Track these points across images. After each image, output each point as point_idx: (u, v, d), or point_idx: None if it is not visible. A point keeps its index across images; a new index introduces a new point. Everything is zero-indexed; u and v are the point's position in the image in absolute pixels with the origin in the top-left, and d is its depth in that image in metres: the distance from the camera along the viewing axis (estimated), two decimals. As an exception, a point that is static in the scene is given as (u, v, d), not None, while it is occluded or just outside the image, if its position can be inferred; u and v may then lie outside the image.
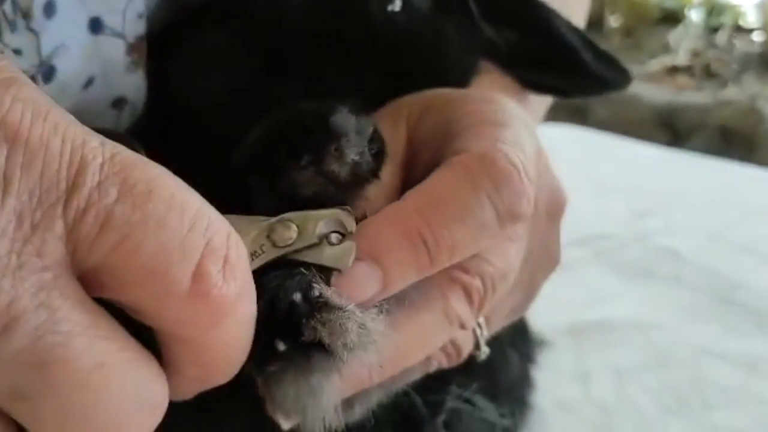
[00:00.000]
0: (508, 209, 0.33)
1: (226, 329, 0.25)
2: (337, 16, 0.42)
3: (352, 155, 0.33)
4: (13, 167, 0.22)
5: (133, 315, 0.25)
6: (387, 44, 0.42)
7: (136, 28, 0.43)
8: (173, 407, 0.26)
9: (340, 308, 0.30)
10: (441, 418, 0.42)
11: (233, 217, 0.27)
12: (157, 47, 0.44)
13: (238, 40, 0.43)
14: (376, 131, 0.34)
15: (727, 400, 0.63)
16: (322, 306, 0.29)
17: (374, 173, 0.34)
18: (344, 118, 0.33)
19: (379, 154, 0.34)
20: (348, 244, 0.32)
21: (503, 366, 0.50)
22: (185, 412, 0.28)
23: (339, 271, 0.31)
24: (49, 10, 0.38)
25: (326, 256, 0.31)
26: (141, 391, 0.24)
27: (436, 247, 0.32)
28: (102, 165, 0.23)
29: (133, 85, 0.44)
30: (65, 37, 0.39)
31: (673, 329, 0.72)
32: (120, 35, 0.42)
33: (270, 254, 0.31)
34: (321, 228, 0.32)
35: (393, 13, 0.42)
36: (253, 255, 0.30)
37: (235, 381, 0.28)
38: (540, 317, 0.56)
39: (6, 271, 0.21)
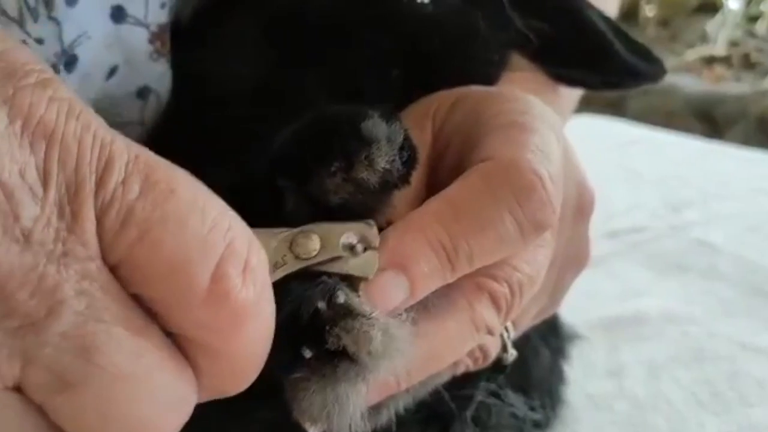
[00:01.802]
0: (531, 221, 0.33)
1: (245, 336, 0.26)
2: (365, 6, 0.42)
3: (382, 163, 0.33)
4: (51, 163, 0.23)
5: (159, 321, 0.25)
6: (415, 36, 0.42)
7: (159, 16, 0.43)
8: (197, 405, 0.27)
9: (364, 315, 0.30)
10: (469, 413, 0.42)
11: (252, 230, 0.27)
12: (183, 37, 0.44)
13: (264, 31, 0.43)
14: (407, 138, 0.34)
15: (764, 395, 0.61)
16: (346, 313, 0.29)
17: (404, 180, 0.34)
18: (375, 125, 0.33)
19: (409, 161, 0.34)
20: (371, 253, 0.32)
21: (534, 360, 0.49)
22: (210, 410, 0.28)
23: (365, 279, 0.31)
24: None
25: (351, 266, 0.31)
26: (175, 387, 0.25)
27: (456, 256, 0.32)
28: (127, 163, 0.24)
29: (157, 74, 0.44)
30: (87, 26, 0.39)
31: (708, 323, 0.71)
32: (143, 24, 0.42)
33: (292, 266, 0.31)
34: (344, 240, 0.32)
35: (422, 4, 0.42)
36: (275, 266, 0.30)
37: (262, 382, 0.28)
38: (572, 311, 0.56)
39: (52, 256, 0.23)
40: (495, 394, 0.43)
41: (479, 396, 0.42)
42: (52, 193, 0.23)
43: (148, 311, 0.25)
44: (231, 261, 0.25)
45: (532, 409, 0.46)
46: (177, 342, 0.26)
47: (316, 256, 0.31)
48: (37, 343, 0.22)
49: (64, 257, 0.23)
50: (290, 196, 0.34)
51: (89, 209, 0.23)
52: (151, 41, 0.43)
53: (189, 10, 0.46)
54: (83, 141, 0.24)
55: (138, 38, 0.42)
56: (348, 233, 0.32)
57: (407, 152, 0.34)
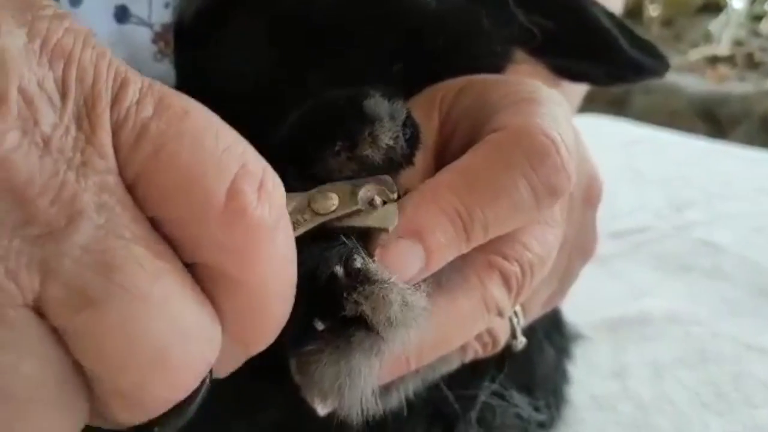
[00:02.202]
0: (545, 185, 0.33)
1: (263, 262, 0.25)
2: (368, 5, 0.41)
3: (386, 140, 0.33)
4: (68, 78, 0.24)
5: (178, 252, 0.25)
6: (419, 34, 0.42)
7: (163, 16, 0.43)
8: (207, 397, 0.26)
9: (383, 281, 0.29)
10: (474, 413, 0.42)
11: None
12: (186, 37, 0.44)
13: (267, 31, 0.43)
14: (409, 116, 0.34)
15: (769, 396, 0.61)
16: (364, 278, 0.29)
17: (408, 158, 0.34)
18: (378, 103, 0.33)
19: (413, 139, 0.34)
20: (391, 205, 0.31)
21: (539, 358, 0.49)
22: (220, 400, 0.28)
23: (386, 230, 0.31)
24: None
25: (371, 219, 0.31)
26: (197, 317, 0.25)
27: (471, 224, 0.32)
28: (141, 87, 0.25)
29: (161, 74, 0.44)
30: (91, 26, 0.39)
31: (712, 324, 0.70)
32: (146, 24, 0.42)
33: (312, 222, 0.30)
34: (363, 194, 0.31)
35: (425, 1, 0.42)
36: (294, 224, 0.30)
37: (270, 369, 0.28)
38: (576, 311, 0.56)
39: (71, 164, 0.23)
40: (499, 395, 0.43)
41: (483, 396, 0.42)
42: (71, 104, 0.24)
43: (167, 241, 0.25)
44: (246, 179, 0.25)
45: (537, 409, 0.46)
46: (196, 277, 0.26)
47: (334, 210, 0.31)
48: (57, 253, 0.22)
49: (83, 167, 0.23)
50: (296, 185, 0.34)
51: (106, 122, 0.24)
52: (154, 41, 0.43)
53: (192, 9, 0.46)
54: (99, 65, 0.24)
55: (141, 38, 0.42)
56: (366, 186, 0.32)
57: (410, 129, 0.34)
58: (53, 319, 0.23)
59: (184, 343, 0.24)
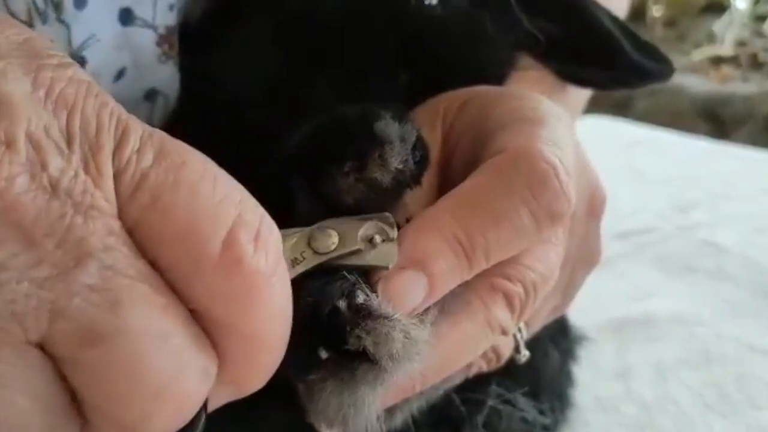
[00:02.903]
0: (546, 211, 0.33)
1: (260, 310, 0.26)
2: (373, 8, 0.41)
3: (395, 163, 0.33)
4: (73, 127, 0.25)
5: (177, 295, 0.25)
6: (423, 38, 0.42)
7: (167, 18, 0.43)
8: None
9: (385, 317, 0.29)
10: (481, 418, 0.42)
11: None
12: (192, 39, 0.44)
13: (273, 33, 0.43)
14: (420, 138, 0.34)
15: (772, 398, 0.61)
16: (367, 314, 0.29)
17: (416, 180, 0.34)
18: (388, 125, 0.33)
19: (422, 161, 0.34)
20: (390, 244, 0.31)
21: (544, 363, 0.49)
22: (223, 410, 0.28)
23: (386, 268, 0.31)
24: (80, 1, 0.38)
25: (370, 257, 0.31)
26: (197, 352, 0.25)
27: (472, 251, 0.32)
28: (142, 136, 0.25)
29: (165, 76, 0.44)
30: (96, 29, 0.39)
31: (716, 325, 0.71)
32: (151, 26, 0.42)
33: (311, 261, 0.31)
34: (363, 233, 0.31)
35: (430, 6, 0.42)
36: (293, 262, 0.30)
37: (275, 382, 0.28)
38: (581, 313, 0.56)
39: (79, 209, 0.24)
40: (505, 399, 0.43)
41: (490, 401, 0.42)
42: (77, 149, 0.24)
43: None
44: (242, 229, 0.25)
45: (542, 413, 0.46)
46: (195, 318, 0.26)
47: (334, 249, 0.31)
48: (66, 293, 0.23)
49: (90, 210, 0.24)
50: (302, 197, 0.34)
51: (110, 168, 0.24)
52: (159, 43, 0.43)
53: (198, 12, 0.46)
54: (101, 114, 0.25)
55: (146, 40, 0.42)
56: (366, 225, 0.32)
57: (420, 152, 0.34)
58: (60, 355, 0.23)
59: (185, 378, 0.25)
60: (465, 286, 0.33)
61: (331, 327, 0.29)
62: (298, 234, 0.31)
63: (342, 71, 0.41)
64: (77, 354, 0.23)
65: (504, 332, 0.35)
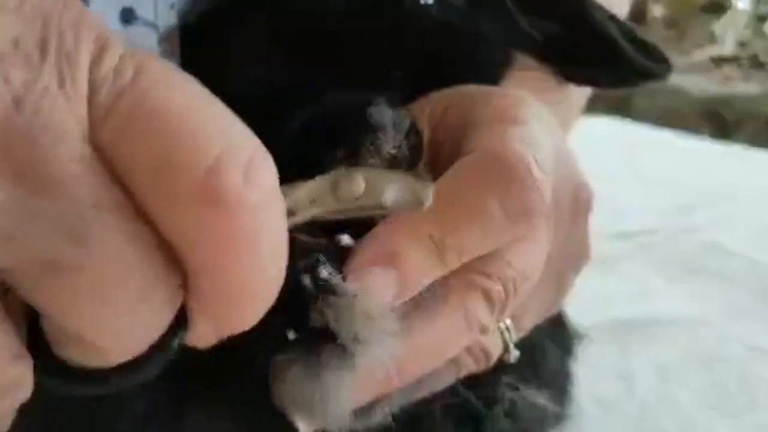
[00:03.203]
0: (519, 208, 0.33)
1: (248, 251, 0.23)
2: (370, 9, 0.41)
3: (388, 149, 0.32)
4: (47, 38, 0.22)
5: (153, 225, 0.23)
6: (419, 38, 0.42)
7: (168, 18, 0.43)
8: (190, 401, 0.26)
9: (347, 293, 0.29)
10: (502, 407, 0.42)
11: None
12: (192, 39, 0.44)
13: (274, 31, 0.43)
14: (413, 125, 0.34)
15: (775, 399, 0.61)
16: (330, 290, 0.29)
17: (411, 167, 0.34)
18: (381, 111, 0.33)
19: (415, 149, 0.34)
20: (418, 204, 0.30)
21: (542, 360, 0.49)
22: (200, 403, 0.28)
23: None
24: (82, 1, 0.38)
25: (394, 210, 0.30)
26: (165, 286, 0.23)
27: (444, 250, 0.32)
28: (123, 53, 0.23)
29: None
30: None
31: (719, 326, 0.70)
32: (152, 25, 0.42)
33: (330, 206, 0.30)
34: (390, 194, 0.30)
35: (426, 5, 0.42)
36: (311, 202, 0.29)
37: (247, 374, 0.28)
38: (582, 313, 0.56)
39: (47, 129, 0.21)
40: (515, 388, 0.43)
41: (507, 393, 0.43)
42: (49, 62, 0.22)
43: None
44: (231, 157, 0.22)
45: (551, 403, 0.46)
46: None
47: (358, 199, 0.30)
48: (25, 222, 0.21)
49: (58, 130, 0.21)
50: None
51: (84, 86, 0.22)
52: (160, 43, 0.43)
53: (198, 11, 0.46)
54: (80, 26, 0.23)
55: (147, 40, 0.42)
56: (398, 185, 0.30)
57: (413, 138, 0.33)
58: (19, 282, 0.22)
59: (149, 306, 0.23)
60: (443, 283, 0.33)
61: (297, 303, 0.29)
62: (322, 178, 0.30)
63: (339, 70, 0.41)
64: (40, 280, 0.22)
65: (483, 330, 0.35)
